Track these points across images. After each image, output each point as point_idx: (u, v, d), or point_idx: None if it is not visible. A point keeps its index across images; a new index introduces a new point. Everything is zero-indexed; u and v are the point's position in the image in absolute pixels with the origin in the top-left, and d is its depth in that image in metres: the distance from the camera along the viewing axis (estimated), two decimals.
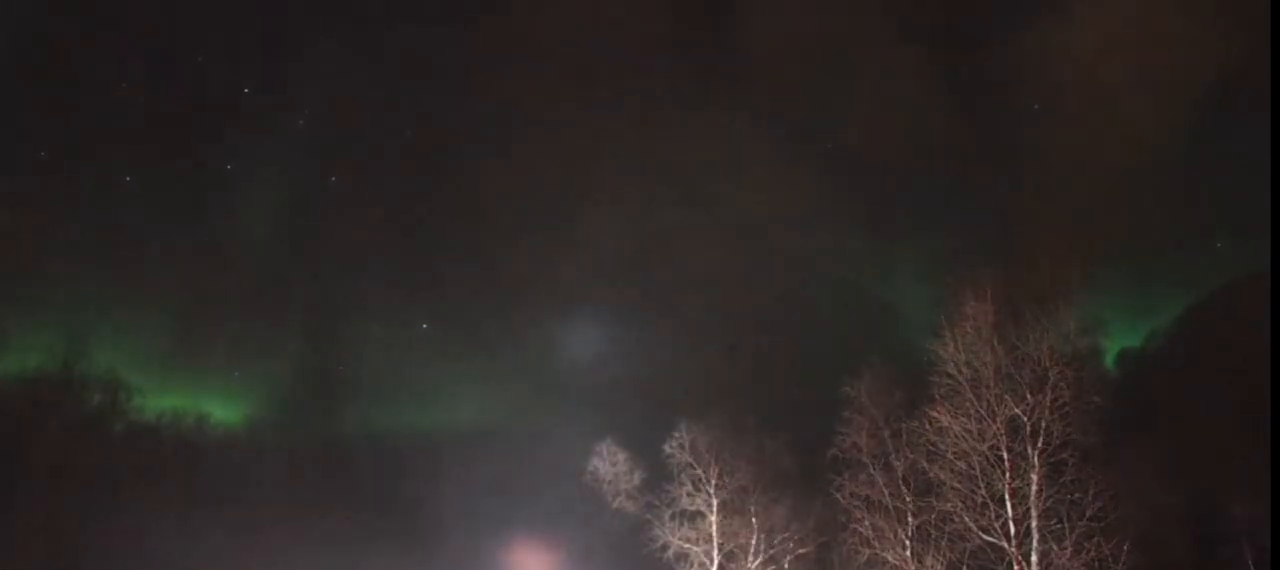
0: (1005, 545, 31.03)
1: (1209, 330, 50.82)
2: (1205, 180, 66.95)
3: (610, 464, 40.88)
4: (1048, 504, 30.83)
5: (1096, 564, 30.18)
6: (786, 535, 37.49)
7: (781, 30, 73.89)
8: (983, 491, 31.43)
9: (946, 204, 71.46)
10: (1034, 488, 31.02)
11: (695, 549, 37.79)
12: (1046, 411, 31.28)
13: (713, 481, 38.00)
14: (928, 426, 32.75)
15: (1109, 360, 47.05)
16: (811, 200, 70.08)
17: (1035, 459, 31.19)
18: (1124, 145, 64.99)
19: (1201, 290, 57.38)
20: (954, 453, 31.99)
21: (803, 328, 61.88)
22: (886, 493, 34.36)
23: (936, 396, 32.86)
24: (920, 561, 33.14)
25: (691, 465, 38.19)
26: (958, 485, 31.76)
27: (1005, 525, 31.13)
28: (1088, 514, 30.24)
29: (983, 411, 31.79)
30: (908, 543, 33.65)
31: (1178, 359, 51.08)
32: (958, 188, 71.30)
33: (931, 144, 71.29)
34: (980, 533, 31.31)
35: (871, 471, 34.84)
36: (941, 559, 32.75)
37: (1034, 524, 30.85)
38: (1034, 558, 30.69)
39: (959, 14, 76.14)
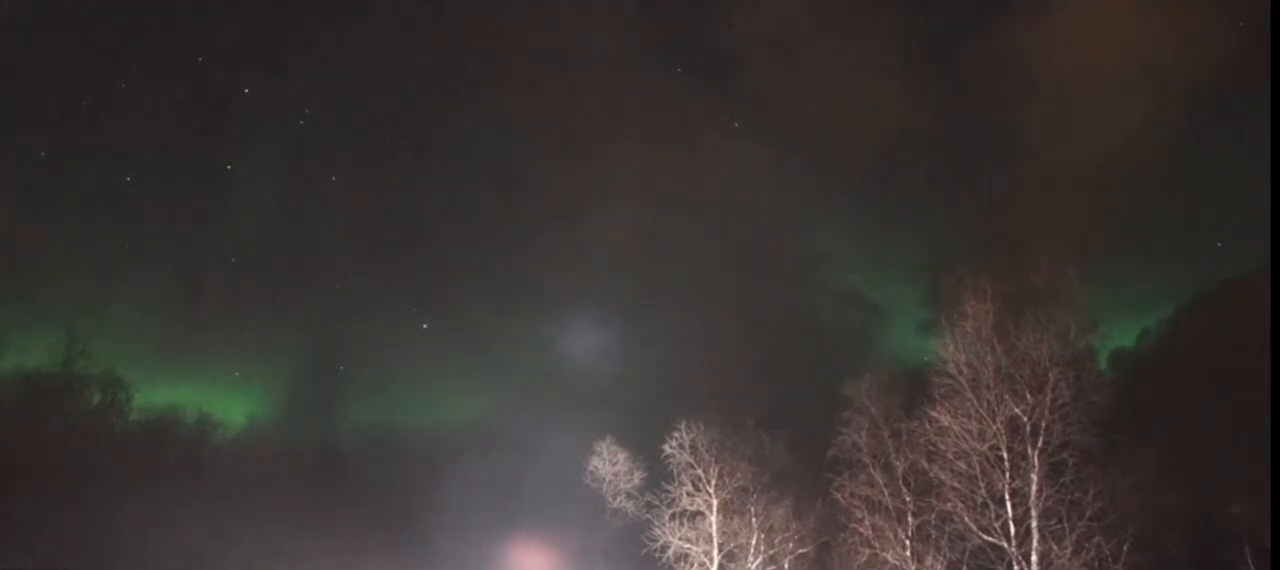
0: (1005, 545, 31.08)
1: (1203, 330, 50.76)
2: (1196, 178, 67.02)
3: (610, 464, 40.78)
4: (1048, 504, 30.89)
5: (1096, 564, 30.25)
6: (786, 535, 37.47)
7: (764, 30, 73.95)
8: (983, 491, 31.48)
9: (935, 203, 71.64)
10: (1034, 488, 31.07)
11: (695, 549, 37.78)
12: (1046, 411, 31.34)
13: (713, 481, 37.99)
14: (928, 426, 32.81)
15: (1102, 360, 47.11)
16: (802, 200, 70.34)
17: (1035, 459, 31.24)
18: (1113, 143, 64.95)
19: (1194, 290, 57.43)
20: (954, 453, 32.04)
21: (799, 328, 62.00)
22: (886, 493, 34.39)
23: (936, 396, 32.92)
24: (920, 561, 33.18)
25: (691, 465, 38.17)
26: (958, 485, 31.82)
27: (1005, 525, 31.19)
28: (1088, 514, 30.32)
29: (983, 411, 31.83)
30: (908, 543, 33.69)
31: (1172, 359, 51.01)
32: (946, 187, 71.48)
33: (920, 143, 71.44)
34: (980, 533, 31.37)
35: (871, 471, 34.86)
36: (941, 559, 32.80)
37: (1034, 524, 30.90)
38: (1034, 558, 30.74)
39: (947, 9, 76.12)
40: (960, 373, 32.58)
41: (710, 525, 37.88)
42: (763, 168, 69.91)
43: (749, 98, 75.92)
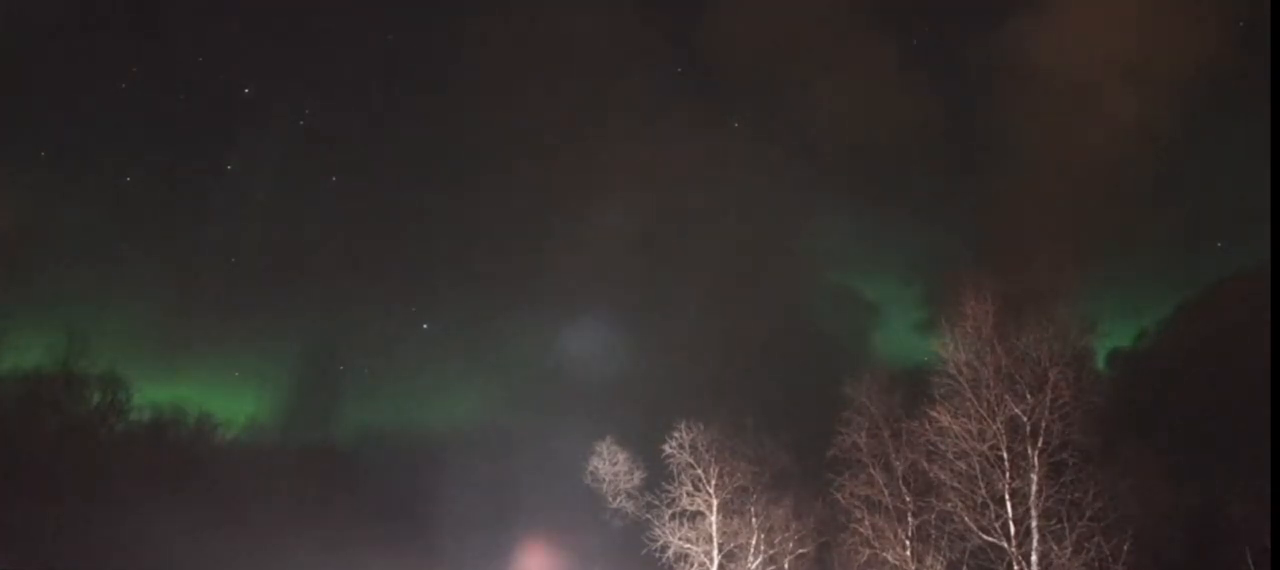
0: (1005, 545, 31.11)
1: (1200, 330, 50.88)
2: (1196, 178, 67.12)
3: (610, 464, 40.76)
4: (1048, 504, 30.91)
5: (1096, 564, 30.28)
6: (786, 535, 37.48)
7: (763, 29, 73.89)
8: (983, 491, 31.50)
9: (934, 203, 71.73)
10: (1034, 488, 31.09)
11: (695, 549, 37.79)
12: (1046, 411, 31.37)
13: (713, 481, 38.00)
14: (928, 426, 32.83)
15: (1099, 360, 47.10)
16: (801, 200, 70.42)
17: (1035, 459, 31.26)
18: (1113, 143, 64.96)
19: (1191, 290, 57.53)
20: (954, 453, 32.06)
21: (798, 328, 62.12)
22: (886, 493, 34.40)
23: (936, 396, 32.95)
24: (920, 561, 33.21)
25: (691, 465, 38.17)
26: (958, 485, 31.84)
27: (1005, 525, 31.22)
28: (1088, 514, 30.34)
29: (983, 411, 31.85)
30: (908, 543, 33.71)
31: (1170, 359, 51.10)
32: (945, 187, 71.57)
33: (919, 143, 71.51)
34: (980, 533, 31.39)
35: (871, 471, 34.86)
36: (941, 559, 32.83)
37: (1034, 524, 30.93)
38: (1034, 558, 30.77)
39: (947, 9, 76.07)
40: (960, 373, 32.60)
41: (710, 525, 37.89)
42: (761, 167, 70.08)
43: (748, 97, 76.05)
